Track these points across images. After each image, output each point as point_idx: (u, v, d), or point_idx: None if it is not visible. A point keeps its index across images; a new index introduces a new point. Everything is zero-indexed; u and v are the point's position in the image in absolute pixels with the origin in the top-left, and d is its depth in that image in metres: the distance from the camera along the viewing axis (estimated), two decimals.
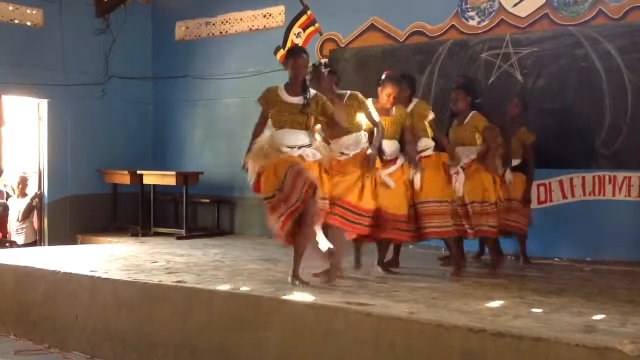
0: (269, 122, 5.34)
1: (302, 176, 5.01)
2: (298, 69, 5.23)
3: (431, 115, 6.01)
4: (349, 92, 5.71)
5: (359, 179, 5.54)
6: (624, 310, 4.51)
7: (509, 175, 6.49)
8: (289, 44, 8.80)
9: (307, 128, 5.27)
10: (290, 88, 5.30)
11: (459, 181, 6.05)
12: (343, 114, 5.57)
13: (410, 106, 6.00)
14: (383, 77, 5.85)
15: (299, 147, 5.21)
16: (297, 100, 5.24)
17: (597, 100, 6.83)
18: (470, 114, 6.17)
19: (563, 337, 3.72)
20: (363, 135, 5.64)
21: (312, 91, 5.28)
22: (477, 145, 6.13)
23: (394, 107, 5.85)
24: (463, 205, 6.06)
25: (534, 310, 4.55)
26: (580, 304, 4.75)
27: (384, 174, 5.69)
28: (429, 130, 6.03)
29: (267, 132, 5.36)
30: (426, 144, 6.01)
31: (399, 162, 5.82)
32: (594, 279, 5.98)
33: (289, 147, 5.19)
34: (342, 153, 5.59)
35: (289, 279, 5.28)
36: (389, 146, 5.80)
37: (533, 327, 3.97)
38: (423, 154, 5.98)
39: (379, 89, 5.83)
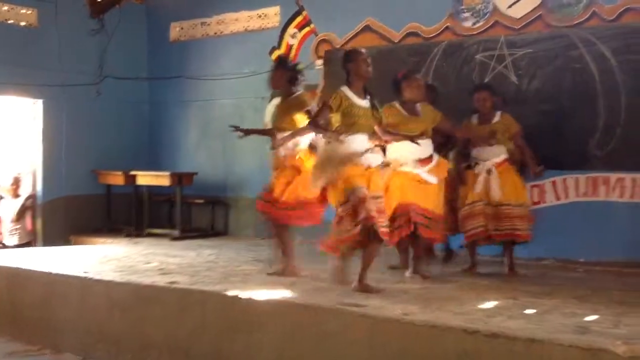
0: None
1: (364, 202, 4.91)
2: (365, 71, 5.18)
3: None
4: (300, 90, 5.86)
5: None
6: (617, 311, 4.52)
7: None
8: (284, 45, 8.81)
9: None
10: (355, 91, 5.18)
11: (493, 181, 6.00)
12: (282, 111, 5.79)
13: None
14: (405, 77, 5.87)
15: (366, 152, 5.12)
16: (365, 103, 5.16)
17: (591, 101, 6.84)
18: (498, 113, 6.17)
19: (556, 338, 3.72)
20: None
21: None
22: (506, 145, 6.11)
23: (420, 106, 5.80)
24: (495, 206, 6.00)
25: (528, 311, 4.56)
26: (573, 305, 4.75)
27: (423, 171, 5.66)
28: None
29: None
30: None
31: (435, 159, 5.76)
32: (587, 280, 5.99)
33: (362, 153, 5.08)
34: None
35: (353, 286, 5.10)
36: (424, 145, 5.64)
37: (527, 328, 3.97)
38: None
39: (405, 84, 5.79)
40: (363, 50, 5.36)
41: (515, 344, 3.75)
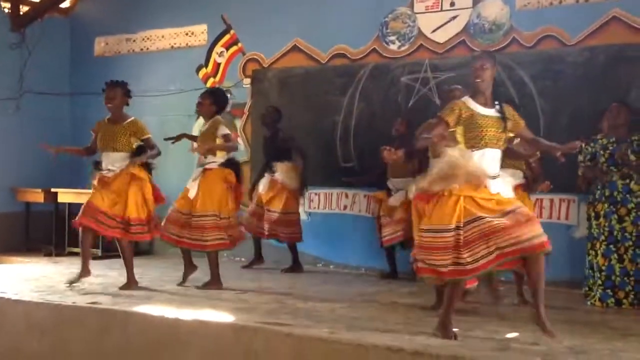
0: None
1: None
2: (488, 75, 4.45)
3: None
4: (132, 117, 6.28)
5: None
6: (536, 328, 4.64)
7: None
8: (211, 63, 8.78)
9: (504, 147, 4.48)
10: (479, 98, 4.47)
11: None
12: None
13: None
14: None
15: (494, 177, 4.37)
16: (493, 113, 4.44)
17: None
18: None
19: (478, 355, 3.81)
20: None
21: (497, 102, 4.52)
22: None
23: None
24: None
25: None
26: (494, 322, 4.87)
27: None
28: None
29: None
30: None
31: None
32: (508, 297, 6.14)
33: (490, 175, 4.35)
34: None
35: (436, 328, 4.41)
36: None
37: (450, 346, 4.05)
38: None
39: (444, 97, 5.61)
40: (478, 55, 4.80)
41: None
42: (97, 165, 6.35)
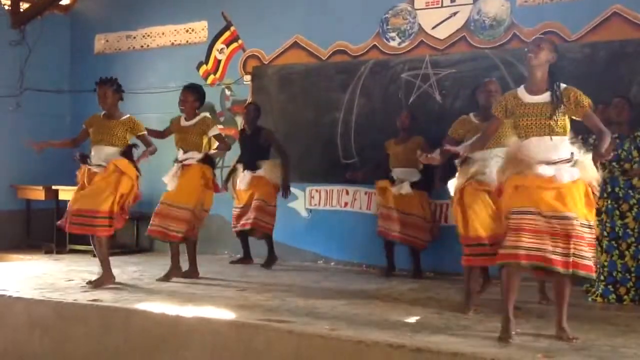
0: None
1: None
2: (543, 56, 4.32)
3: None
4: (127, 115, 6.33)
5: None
6: (537, 325, 4.65)
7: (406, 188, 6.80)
8: (211, 60, 8.77)
9: (562, 133, 4.25)
10: (530, 85, 4.37)
11: None
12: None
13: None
14: None
15: (554, 163, 4.20)
16: (542, 99, 4.30)
17: None
18: None
19: (480, 351, 3.81)
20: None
21: (563, 85, 4.33)
22: None
23: None
24: None
25: (452, 325, 4.64)
26: (496, 319, 4.86)
27: None
28: None
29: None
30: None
31: None
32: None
33: (541, 162, 4.20)
34: None
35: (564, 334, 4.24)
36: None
37: (451, 343, 4.05)
38: None
39: (477, 91, 5.52)
40: (535, 37, 4.74)
41: (439, 358, 3.81)
42: (84, 158, 6.33)
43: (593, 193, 4.26)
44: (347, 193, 7.87)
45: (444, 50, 7.42)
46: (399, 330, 4.40)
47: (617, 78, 6.44)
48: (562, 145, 4.24)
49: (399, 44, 7.67)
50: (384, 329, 4.43)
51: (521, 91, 4.38)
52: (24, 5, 9.46)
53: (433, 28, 7.48)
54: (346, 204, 7.89)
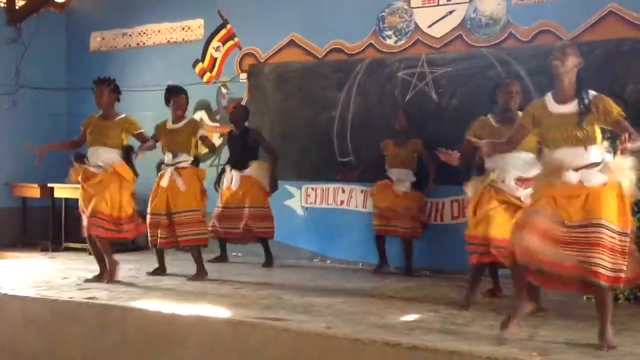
0: None
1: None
2: (570, 62, 4.20)
3: None
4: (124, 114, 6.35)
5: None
6: (533, 323, 4.66)
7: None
8: (207, 58, 8.77)
9: (592, 142, 4.12)
10: (557, 93, 4.25)
11: None
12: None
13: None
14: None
15: (577, 170, 4.09)
16: (569, 109, 4.18)
17: None
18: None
19: (476, 350, 3.82)
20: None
21: (592, 92, 4.18)
22: None
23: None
24: None
25: (448, 323, 4.65)
26: (491, 317, 4.88)
27: (524, 194, 5.00)
28: None
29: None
30: None
31: None
32: (504, 292, 6.14)
33: (570, 170, 4.10)
34: None
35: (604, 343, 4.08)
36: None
37: (447, 341, 4.06)
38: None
39: (497, 91, 5.58)
40: (559, 43, 4.63)
41: (436, 356, 3.82)
42: (81, 158, 6.31)
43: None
44: (343, 191, 7.87)
45: (440, 48, 7.42)
46: (395, 329, 4.41)
47: (613, 77, 6.45)
48: (593, 152, 4.14)
49: (395, 42, 7.67)
50: (380, 327, 4.43)
51: (549, 100, 4.26)
52: (19, 3, 9.44)
53: (429, 26, 7.49)
54: (342, 202, 7.90)
